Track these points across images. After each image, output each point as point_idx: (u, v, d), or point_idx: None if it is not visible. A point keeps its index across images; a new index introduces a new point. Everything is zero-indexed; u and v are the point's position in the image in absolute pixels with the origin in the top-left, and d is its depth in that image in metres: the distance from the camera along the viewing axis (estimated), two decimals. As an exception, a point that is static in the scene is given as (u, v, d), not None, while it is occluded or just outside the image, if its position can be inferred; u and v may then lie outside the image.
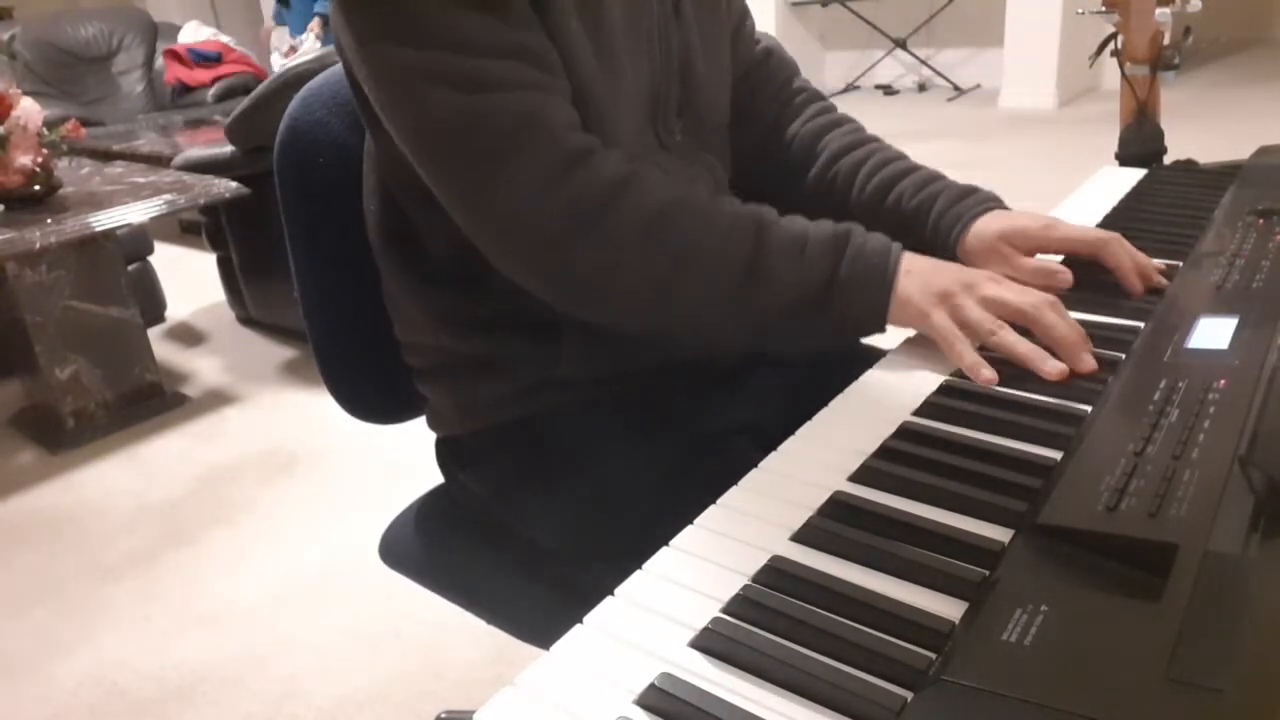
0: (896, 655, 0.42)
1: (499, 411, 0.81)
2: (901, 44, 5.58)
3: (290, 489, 2.08)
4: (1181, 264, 0.78)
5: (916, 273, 0.69)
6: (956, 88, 5.41)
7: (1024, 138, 4.22)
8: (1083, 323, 0.67)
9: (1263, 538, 0.44)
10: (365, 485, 2.06)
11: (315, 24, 4.89)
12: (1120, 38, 1.25)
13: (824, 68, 6.05)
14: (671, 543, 0.52)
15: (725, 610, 0.46)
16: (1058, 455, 0.54)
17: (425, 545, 0.93)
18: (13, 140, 2.20)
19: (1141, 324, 0.69)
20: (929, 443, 0.58)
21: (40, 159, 2.26)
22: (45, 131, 2.27)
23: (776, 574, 0.48)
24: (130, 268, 2.60)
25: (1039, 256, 0.78)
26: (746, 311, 0.69)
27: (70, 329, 2.31)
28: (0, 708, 1.52)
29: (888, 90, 5.70)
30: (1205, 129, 3.80)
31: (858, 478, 0.56)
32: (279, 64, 4.79)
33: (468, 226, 0.69)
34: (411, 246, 0.80)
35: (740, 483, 0.57)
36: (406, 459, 2.09)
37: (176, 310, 3.12)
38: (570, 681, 0.43)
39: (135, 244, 2.69)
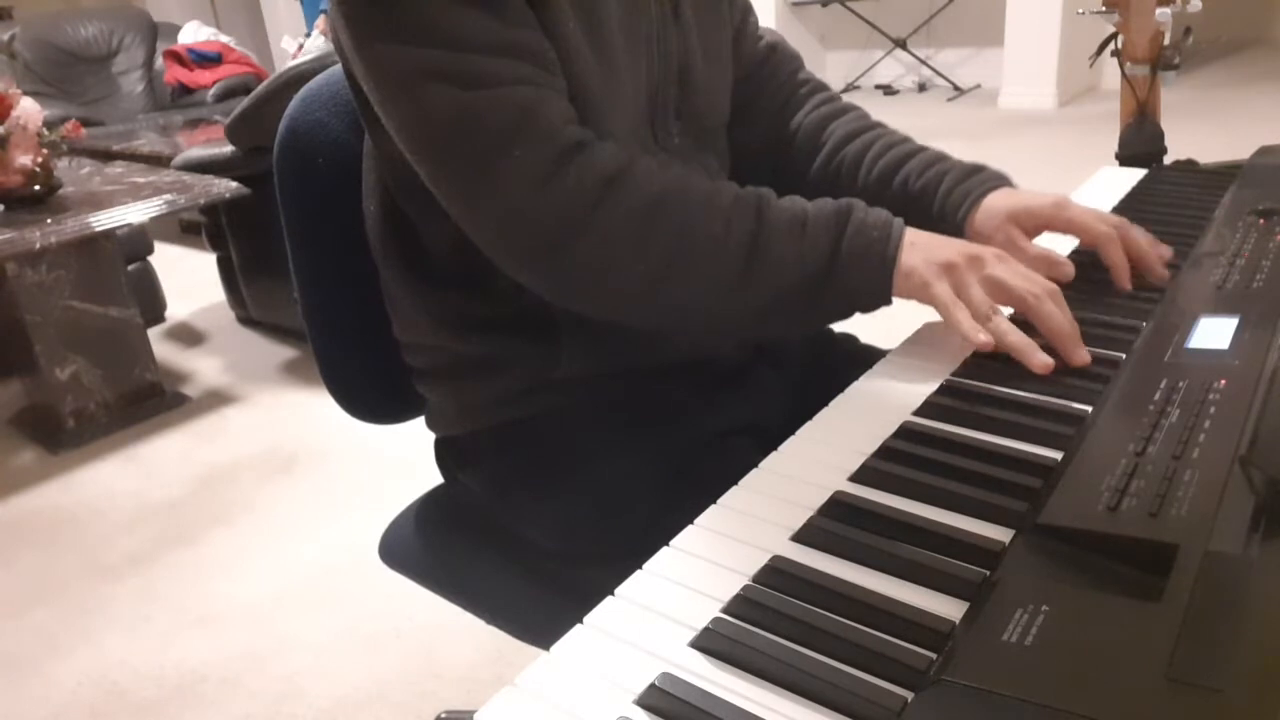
0: (897, 655, 0.42)
1: (499, 411, 0.81)
2: (901, 44, 5.58)
3: (290, 489, 2.08)
4: (1182, 264, 0.78)
5: (920, 245, 0.69)
6: (956, 88, 5.41)
7: (1024, 138, 4.22)
8: (1083, 321, 0.67)
9: (1263, 538, 0.44)
10: (365, 485, 2.06)
11: (321, 21, 4.88)
12: (1120, 38, 1.25)
13: (824, 68, 6.04)
14: (671, 543, 0.52)
15: (725, 610, 0.46)
16: (1058, 455, 0.54)
17: (425, 545, 0.93)
18: (13, 140, 2.20)
19: (1142, 324, 0.69)
20: (929, 443, 0.58)
21: (40, 159, 2.26)
22: (45, 131, 2.27)
23: (777, 574, 0.48)
24: (130, 268, 2.60)
25: (1044, 237, 0.78)
26: (749, 292, 0.69)
27: (70, 329, 2.31)
28: (0, 708, 1.52)
29: (888, 90, 5.70)
30: (1205, 129, 3.80)
31: (858, 478, 0.56)
32: (289, 62, 4.80)
33: (466, 222, 0.69)
34: (411, 246, 0.80)
35: (740, 483, 0.57)
36: (406, 459, 2.09)
37: (176, 310, 3.12)
38: (570, 681, 0.43)
39: (135, 244, 2.69)
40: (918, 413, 0.62)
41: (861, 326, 0.92)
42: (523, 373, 0.79)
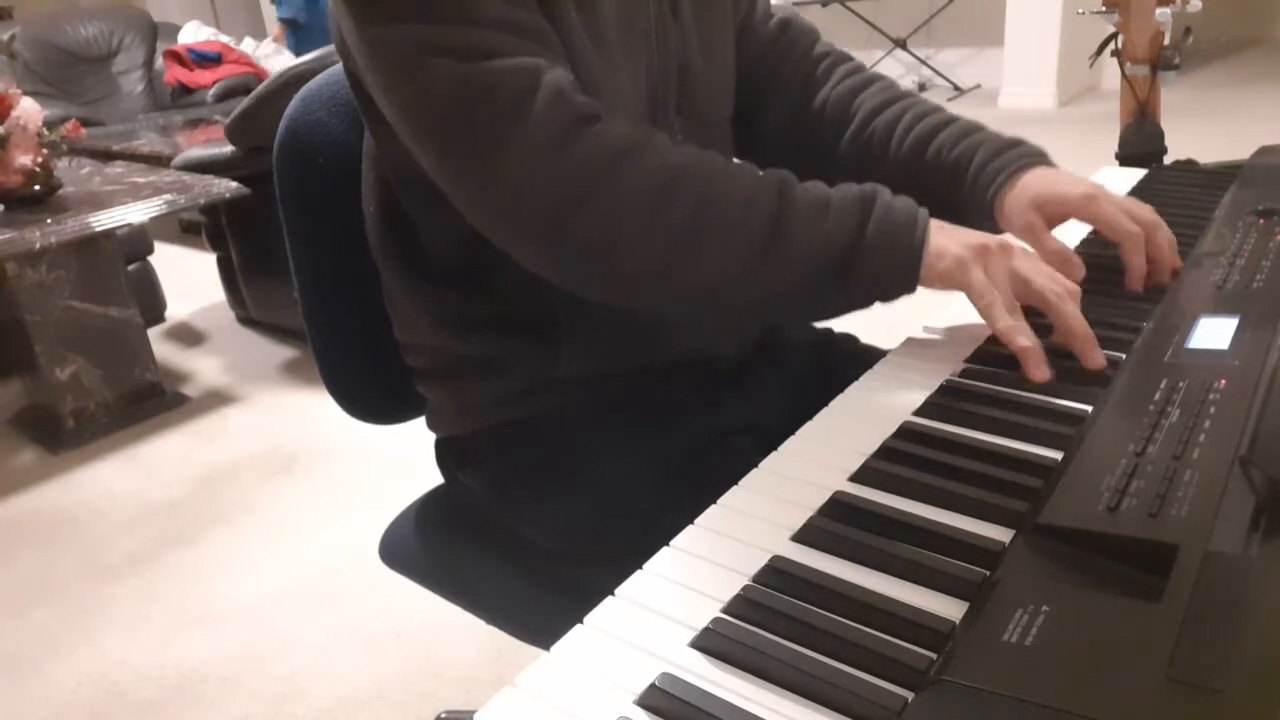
0: (897, 655, 0.42)
1: (499, 411, 0.81)
2: (901, 44, 5.58)
3: (290, 489, 2.08)
4: (1182, 264, 0.78)
5: (948, 230, 0.67)
6: (956, 88, 5.41)
7: (1024, 138, 4.21)
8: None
9: (1263, 538, 0.44)
10: (365, 485, 2.06)
11: (277, 29, 4.93)
12: (1120, 38, 1.25)
13: (824, 68, 6.04)
14: (671, 543, 0.52)
15: (726, 610, 0.46)
16: (1058, 455, 0.54)
17: (425, 545, 0.93)
18: (13, 140, 2.20)
19: (1142, 324, 0.69)
20: (930, 443, 0.58)
21: (40, 159, 2.26)
22: (45, 131, 2.27)
23: (777, 574, 0.48)
24: (130, 268, 2.60)
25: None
26: (769, 274, 0.66)
27: (70, 329, 2.31)
28: (0, 708, 1.51)
29: (888, 90, 5.69)
30: (1205, 129, 3.80)
31: (858, 478, 0.56)
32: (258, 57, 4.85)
33: (469, 203, 0.66)
34: (411, 246, 0.80)
35: (740, 483, 0.57)
36: (406, 459, 2.09)
37: (176, 310, 3.11)
38: (570, 681, 0.43)
39: (135, 244, 2.69)
40: (918, 413, 0.62)
41: (862, 326, 0.92)
42: (523, 373, 0.79)
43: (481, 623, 0.87)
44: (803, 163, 0.75)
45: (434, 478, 0.95)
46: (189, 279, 3.50)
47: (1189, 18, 1.23)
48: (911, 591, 0.46)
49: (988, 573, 0.46)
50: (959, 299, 0.69)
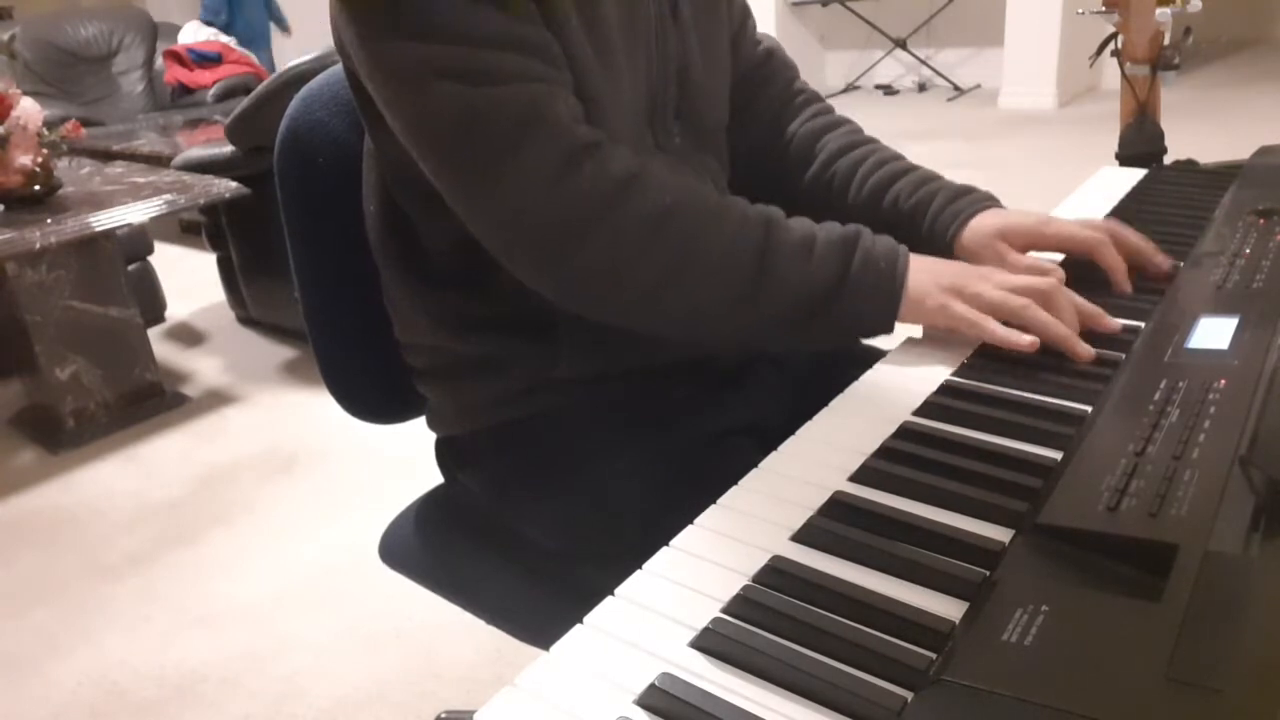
0: (897, 655, 0.42)
1: (499, 411, 0.81)
2: (901, 44, 5.58)
3: (290, 489, 2.08)
4: (1182, 264, 0.78)
5: (925, 270, 0.70)
6: (956, 88, 5.41)
7: (1024, 138, 4.22)
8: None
9: (1263, 538, 0.44)
10: (365, 485, 2.06)
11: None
12: (1120, 38, 1.25)
13: (824, 68, 6.05)
14: (671, 543, 0.52)
15: (725, 610, 0.46)
16: (1058, 455, 0.54)
17: (425, 545, 0.93)
18: (13, 140, 2.20)
19: (1142, 324, 0.69)
20: (929, 443, 0.58)
21: (40, 159, 2.26)
22: (45, 131, 2.27)
23: (777, 574, 0.48)
24: (130, 268, 2.60)
25: (1034, 254, 0.78)
26: (752, 310, 0.69)
27: (70, 329, 2.31)
28: (0, 708, 1.52)
29: (888, 90, 5.70)
30: (1205, 129, 3.80)
31: (858, 478, 0.56)
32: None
33: (472, 221, 0.68)
34: (411, 246, 0.80)
35: (740, 483, 0.57)
36: (406, 459, 2.09)
37: (176, 310, 3.12)
38: (570, 681, 0.43)
39: (135, 244, 2.69)
40: (918, 413, 0.62)
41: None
42: (522, 373, 0.79)
43: (481, 623, 0.87)
44: (765, 188, 0.77)
45: (434, 478, 0.95)
46: (189, 279, 3.50)
47: (1189, 18, 1.23)
48: (911, 591, 0.46)
49: (987, 572, 0.46)
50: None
